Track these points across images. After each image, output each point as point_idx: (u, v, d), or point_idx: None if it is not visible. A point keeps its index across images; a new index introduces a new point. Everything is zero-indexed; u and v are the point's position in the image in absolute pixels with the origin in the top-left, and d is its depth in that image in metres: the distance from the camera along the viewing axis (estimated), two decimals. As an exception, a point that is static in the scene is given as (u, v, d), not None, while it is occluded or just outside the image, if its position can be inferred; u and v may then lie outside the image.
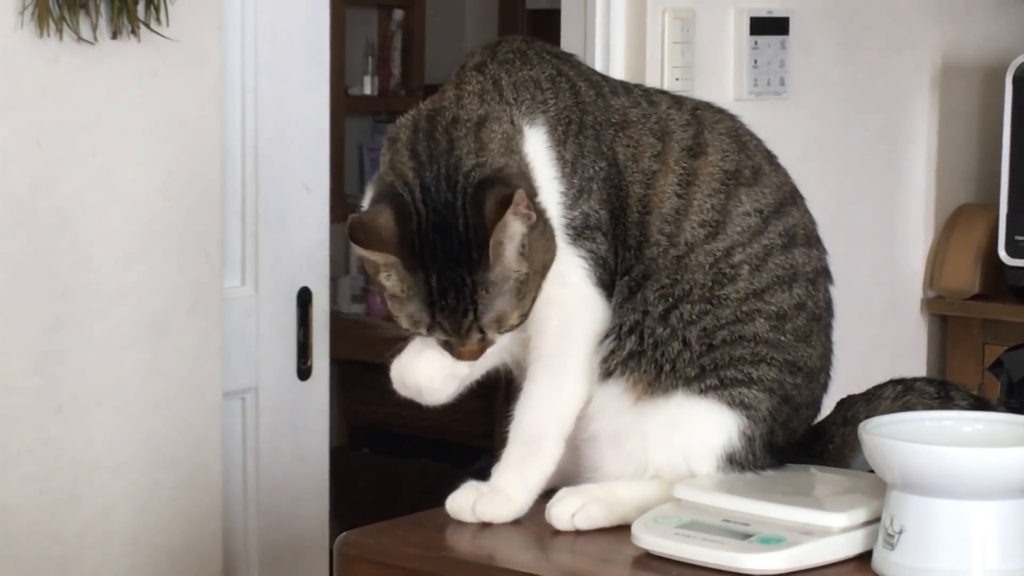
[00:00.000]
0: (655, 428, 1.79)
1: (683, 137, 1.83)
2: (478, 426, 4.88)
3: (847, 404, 1.89)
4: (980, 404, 1.85)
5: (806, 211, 1.88)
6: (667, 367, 1.79)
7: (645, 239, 1.80)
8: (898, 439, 1.56)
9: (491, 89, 1.79)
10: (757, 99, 3.42)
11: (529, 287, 1.74)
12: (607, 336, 1.80)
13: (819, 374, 1.87)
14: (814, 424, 1.90)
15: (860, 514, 1.64)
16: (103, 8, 2.41)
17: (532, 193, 1.75)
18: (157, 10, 2.46)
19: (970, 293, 3.85)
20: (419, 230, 1.72)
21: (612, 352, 1.80)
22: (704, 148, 1.83)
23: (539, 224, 1.74)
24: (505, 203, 1.70)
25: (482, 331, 1.74)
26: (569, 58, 1.89)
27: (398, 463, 5.16)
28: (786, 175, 1.89)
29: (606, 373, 1.80)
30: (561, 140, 1.79)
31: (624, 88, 1.89)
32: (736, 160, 1.83)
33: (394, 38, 5.67)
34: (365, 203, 1.83)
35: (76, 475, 2.46)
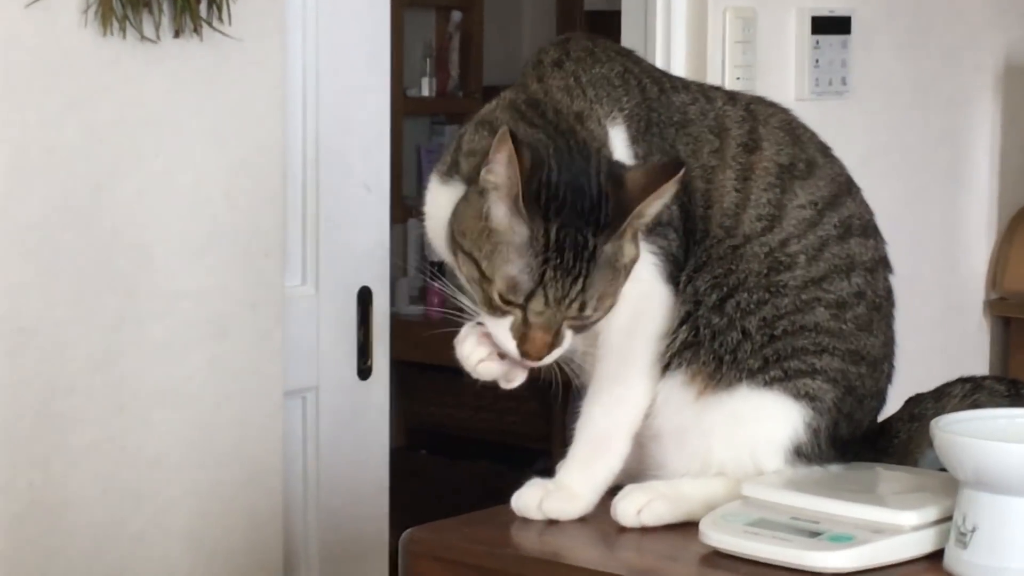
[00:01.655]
0: (719, 424, 1.78)
1: (739, 133, 1.83)
2: (535, 428, 4.88)
3: (915, 401, 1.88)
4: (1051, 403, 1.83)
5: (862, 201, 1.88)
6: (727, 358, 1.77)
7: (706, 233, 1.80)
8: (972, 436, 1.54)
9: (574, 86, 1.79)
10: (818, 99, 3.40)
11: (621, 279, 1.72)
12: None
13: (882, 363, 1.86)
14: (880, 421, 1.88)
15: (931, 512, 1.62)
16: (166, 7, 2.41)
17: None
18: (220, 9, 2.47)
19: (1033, 295, 3.82)
20: (548, 182, 1.67)
21: (667, 345, 1.79)
22: (759, 143, 1.83)
23: None
24: (673, 170, 1.69)
25: (583, 306, 1.68)
26: (630, 54, 1.90)
27: (455, 465, 5.16)
28: (841, 166, 1.88)
29: (663, 366, 1.79)
30: (635, 138, 1.79)
31: (683, 84, 1.89)
32: (790, 154, 1.84)
33: (452, 40, 5.67)
34: (427, 199, 1.82)
35: (138, 474, 2.47)
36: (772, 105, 1.90)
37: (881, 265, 1.87)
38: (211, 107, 2.51)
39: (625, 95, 1.81)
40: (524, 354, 1.71)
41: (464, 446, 5.22)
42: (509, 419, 4.92)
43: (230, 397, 2.57)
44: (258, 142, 2.58)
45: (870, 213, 1.88)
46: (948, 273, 3.81)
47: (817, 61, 3.41)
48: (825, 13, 3.42)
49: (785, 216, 1.80)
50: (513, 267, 1.67)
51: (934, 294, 3.73)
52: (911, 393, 1.90)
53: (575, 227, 1.67)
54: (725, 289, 1.79)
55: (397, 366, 2.96)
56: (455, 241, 1.72)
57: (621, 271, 1.71)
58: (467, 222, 1.70)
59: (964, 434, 1.55)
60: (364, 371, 2.88)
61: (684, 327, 1.79)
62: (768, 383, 1.78)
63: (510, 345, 1.71)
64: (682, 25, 3.21)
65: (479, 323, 1.76)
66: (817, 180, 1.83)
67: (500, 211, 1.68)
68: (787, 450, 1.78)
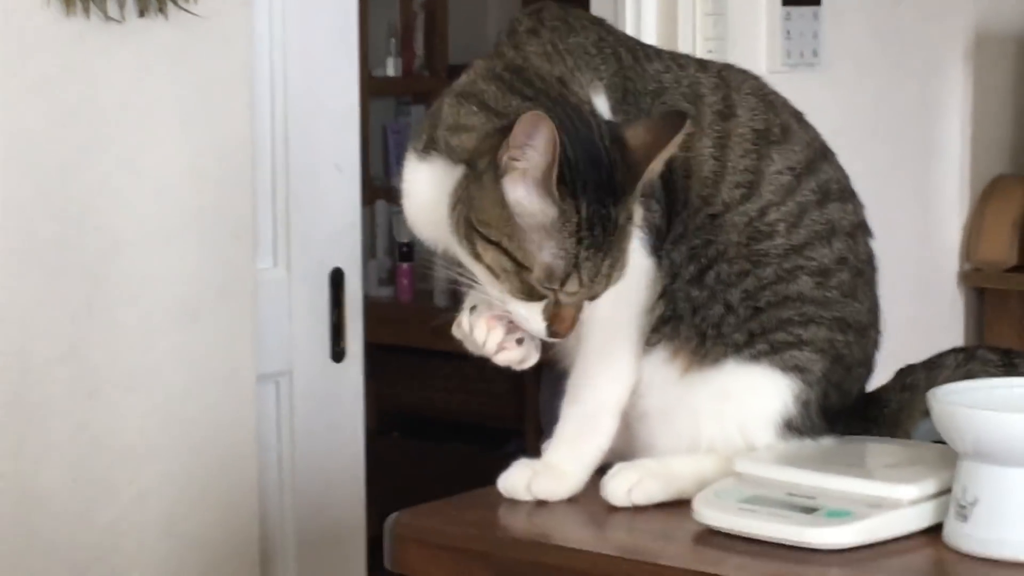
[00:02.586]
0: (706, 400, 1.75)
1: (713, 100, 1.80)
2: (507, 409, 4.84)
3: (906, 372, 1.85)
4: (1045, 371, 1.80)
5: (838, 166, 1.85)
6: (711, 333, 1.75)
7: (686, 204, 1.77)
8: (971, 407, 1.51)
9: (552, 52, 1.75)
10: (790, 71, 3.37)
11: (630, 241, 1.67)
12: None
13: (868, 330, 1.83)
14: (870, 391, 1.86)
15: (929, 485, 1.60)
16: (130, -15, 2.36)
17: None
18: (185, -13, 2.42)
19: (1007, 265, 3.81)
20: (567, 159, 1.61)
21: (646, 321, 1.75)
22: (734, 110, 1.80)
23: None
24: (679, 122, 1.65)
25: (609, 280, 1.64)
26: (603, 23, 1.87)
27: (428, 447, 5.13)
28: (815, 132, 1.86)
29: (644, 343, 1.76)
30: (615, 108, 1.75)
31: (655, 53, 1.87)
32: (765, 119, 1.81)
33: (417, 19, 5.62)
34: (405, 176, 1.78)
35: (110, 462, 2.43)
36: (743, 72, 1.87)
37: (861, 230, 1.84)
38: (177, 87, 2.47)
39: (603, 63, 1.77)
40: (553, 333, 1.67)
41: (436, 428, 5.18)
42: (480, 400, 4.89)
43: (202, 383, 2.53)
44: (226, 122, 2.53)
45: (846, 177, 1.86)
46: (921, 245, 3.79)
47: (788, 32, 3.38)
48: (795, -16, 3.40)
49: (763, 183, 1.78)
50: (547, 253, 1.62)
51: (908, 266, 3.71)
52: (886, 366, 1.86)
53: (599, 200, 1.62)
54: (704, 260, 1.76)
55: (367, 348, 2.92)
56: (474, 230, 1.65)
57: (631, 233, 1.67)
58: (488, 210, 1.64)
59: (963, 405, 1.52)
60: (338, 354, 2.84)
61: (662, 301, 1.75)
62: (755, 357, 1.75)
63: (540, 326, 1.67)
64: (652, -3, 3.18)
65: (473, 307, 1.72)
66: (793, 145, 1.81)
67: (524, 194, 1.62)
68: (778, 424, 1.75)
